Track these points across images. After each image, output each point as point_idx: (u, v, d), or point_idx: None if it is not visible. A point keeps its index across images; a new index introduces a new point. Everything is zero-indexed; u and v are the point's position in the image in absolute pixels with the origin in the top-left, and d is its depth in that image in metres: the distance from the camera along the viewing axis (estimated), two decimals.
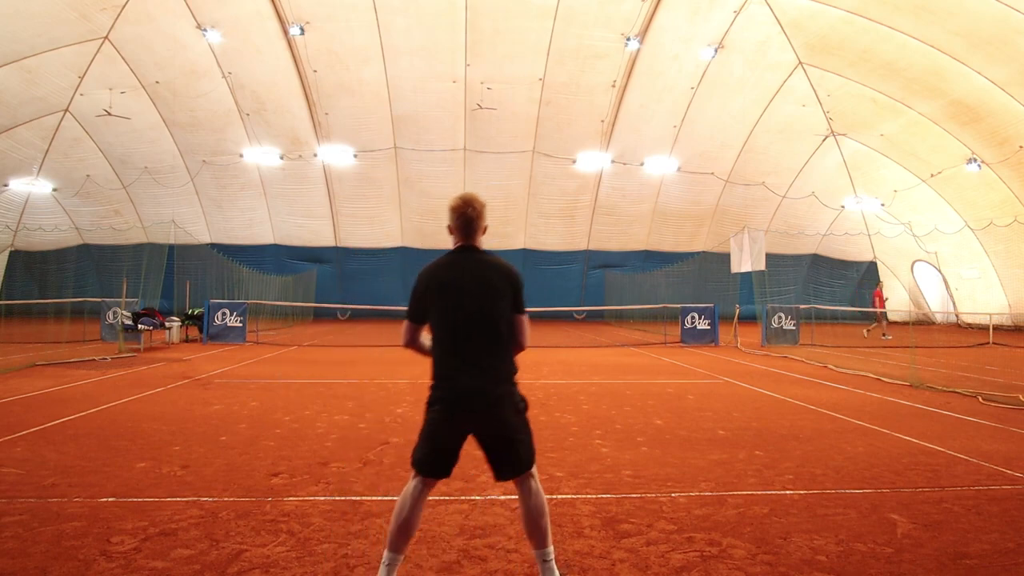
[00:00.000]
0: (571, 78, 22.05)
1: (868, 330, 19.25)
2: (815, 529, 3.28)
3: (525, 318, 2.66)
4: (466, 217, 2.68)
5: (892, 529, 3.30)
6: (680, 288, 22.77)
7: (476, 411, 2.49)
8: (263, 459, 4.54)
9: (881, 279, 25.10)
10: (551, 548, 2.58)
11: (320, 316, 25.65)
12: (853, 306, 27.58)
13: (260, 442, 5.05)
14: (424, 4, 19.23)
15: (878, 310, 19.70)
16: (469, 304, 2.53)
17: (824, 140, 24.34)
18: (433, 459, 2.52)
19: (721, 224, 27.08)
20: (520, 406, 2.58)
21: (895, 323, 25.69)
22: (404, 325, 2.68)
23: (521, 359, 2.63)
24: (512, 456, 2.52)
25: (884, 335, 18.92)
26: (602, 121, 23.71)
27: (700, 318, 16.03)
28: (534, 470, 2.58)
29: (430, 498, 3.66)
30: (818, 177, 25.72)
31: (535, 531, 2.55)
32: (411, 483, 2.54)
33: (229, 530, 3.18)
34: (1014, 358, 13.52)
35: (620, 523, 3.32)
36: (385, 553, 2.49)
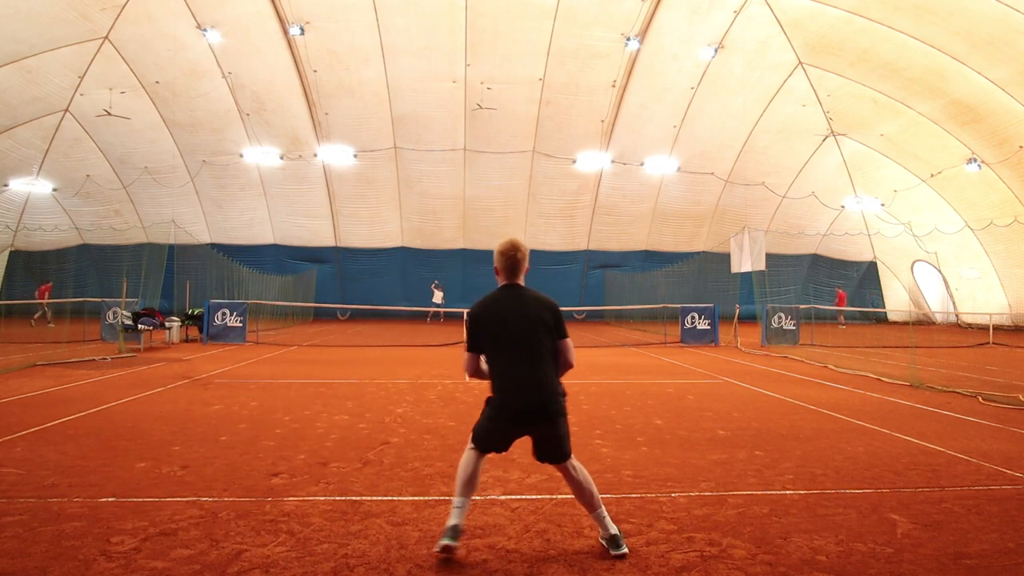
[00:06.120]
0: (571, 78, 22.04)
1: (843, 324, 24.25)
2: (815, 529, 3.28)
3: (568, 342, 3.12)
4: (514, 260, 3.13)
5: (892, 529, 3.30)
6: (680, 288, 22.74)
7: (532, 418, 3.00)
8: (263, 459, 4.54)
9: (838, 284, 28.42)
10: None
11: (320, 316, 25.64)
12: (853, 306, 27.60)
13: (260, 442, 5.05)
14: (424, 4, 19.22)
15: (840, 308, 24.85)
16: (516, 332, 3.00)
17: (824, 140, 24.34)
18: (489, 444, 3.08)
19: (721, 224, 27.06)
20: (565, 413, 3.10)
21: (895, 323, 26.29)
22: (465, 358, 3.14)
23: None
24: (558, 450, 3.03)
25: (841, 325, 24.40)
26: (602, 121, 23.70)
27: (700, 318, 16.02)
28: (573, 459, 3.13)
29: (430, 498, 3.71)
30: (818, 177, 25.71)
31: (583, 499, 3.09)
32: (469, 452, 3.07)
33: (229, 530, 3.18)
34: (1014, 358, 13.52)
35: (620, 523, 3.32)
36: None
